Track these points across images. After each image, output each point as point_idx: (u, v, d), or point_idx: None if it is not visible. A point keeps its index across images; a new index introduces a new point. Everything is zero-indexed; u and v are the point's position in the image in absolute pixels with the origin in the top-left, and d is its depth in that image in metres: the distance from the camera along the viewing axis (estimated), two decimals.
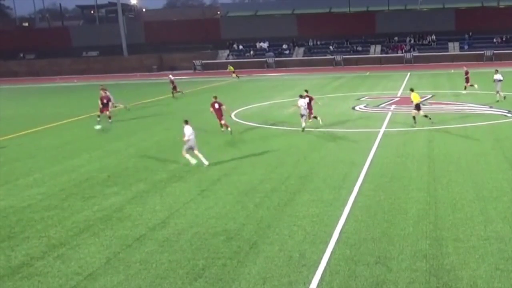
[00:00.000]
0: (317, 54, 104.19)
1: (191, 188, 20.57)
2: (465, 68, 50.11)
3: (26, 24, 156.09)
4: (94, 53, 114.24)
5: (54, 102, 57.60)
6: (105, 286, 12.75)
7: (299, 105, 31.59)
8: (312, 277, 12.57)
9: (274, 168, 23.02)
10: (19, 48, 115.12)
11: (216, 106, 32.51)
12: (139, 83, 70.51)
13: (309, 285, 12.18)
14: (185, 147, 24.28)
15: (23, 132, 36.79)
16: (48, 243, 15.85)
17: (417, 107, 31.98)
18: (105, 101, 38.45)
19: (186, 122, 24.48)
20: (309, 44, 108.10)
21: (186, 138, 23.97)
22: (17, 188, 22.19)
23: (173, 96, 55.04)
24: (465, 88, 48.50)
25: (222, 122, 32.53)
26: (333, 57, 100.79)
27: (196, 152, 24.33)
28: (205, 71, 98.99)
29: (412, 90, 32.91)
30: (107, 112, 38.28)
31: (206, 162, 24.13)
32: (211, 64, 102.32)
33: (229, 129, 32.19)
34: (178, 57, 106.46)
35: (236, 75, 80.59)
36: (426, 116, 32.04)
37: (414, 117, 32.20)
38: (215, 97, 32.87)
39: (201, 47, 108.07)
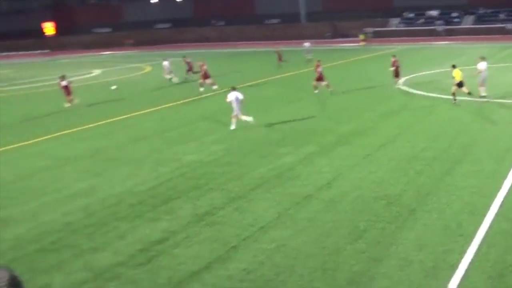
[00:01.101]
0: (486, 23, 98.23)
1: (357, 152, 20.42)
2: None
3: None
4: (275, 21, 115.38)
5: (238, 66, 58.94)
6: (274, 239, 13.03)
7: (479, 69, 29.84)
8: (468, 248, 12.01)
9: (437, 137, 22.19)
10: (212, 16, 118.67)
11: (319, 69, 34.62)
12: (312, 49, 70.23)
13: (464, 255, 11.72)
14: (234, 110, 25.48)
15: (203, 96, 38.12)
16: (228, 195, 16.44)
17: (460, 84, 28.88)
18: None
19: (233, 89, 25.76)
20: (479, 12, 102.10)
21: (228, 100, 25.44)
22: (204, 144, 23.10)
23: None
24: None
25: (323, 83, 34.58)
26: (503, 25, 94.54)
27: (240, 116, 25.36)
28: (376, 39, 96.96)
29: (454, 66, 29.28)
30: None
31: (250, 119, 25.32)
32: (382, 32, 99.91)
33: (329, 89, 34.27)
34: (350, 25, 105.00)
35: (364, 44, 78.90)
36: (469, 93, 29.24)
37: (453, 93, 29.15)
38: (318, 61, 35.56)
39: (372, 15, 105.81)
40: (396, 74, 36.29)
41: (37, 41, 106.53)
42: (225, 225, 14.12)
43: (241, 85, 40.37)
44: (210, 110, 31.07)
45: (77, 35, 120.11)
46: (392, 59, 37.02)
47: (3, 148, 24.37)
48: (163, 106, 33.70)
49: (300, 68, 50.71)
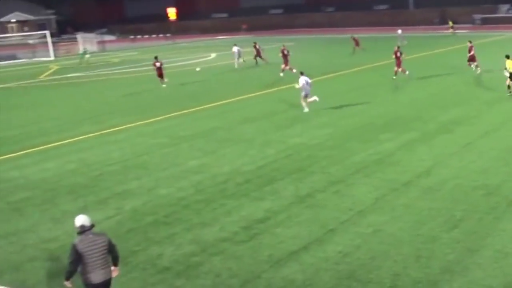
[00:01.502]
0: None
1: (457, 141, 19.72)
2: None
3: None
4: (383, 7, 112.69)
5: (346, 51, 58.21)
6: (372, 223, 12.87)
7: None
8: None
9: None
10: (323, 2, 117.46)
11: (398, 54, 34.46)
12: (419, 36, 68.14)
13: None
14: (301, 94, 25.85)
15: (317, 78, 37.91)
16: (329, 178, 16.35)
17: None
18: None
19: (302, 73, 26.06)
20: None
21: (298, 86, 25.76)
22: (309, 127, 23.08)
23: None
24: None
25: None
26: None
27: (309, 99, 25.79)
28: (484, 26, 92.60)
29: (508, 57, 27.13)
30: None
31: (316, 98, 25.88)
32: (491, 19, 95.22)
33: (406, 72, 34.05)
34: (458, 11, 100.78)
35: (453, 31, 75.04)
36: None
37: (508, 86, 26.98)
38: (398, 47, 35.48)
39: (481, 1, 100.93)
40: (472, 59, 35.91)
41: (161, 26, 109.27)
42: (324, 207, 14.09)
43: (346, 71, 39.95)
44: (317, 94, 30.83)
45: (197, 20, 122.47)
46: (469, 45, 36.29)
47: (125, 126, 25.35)
48: (273, 89, 33.85)
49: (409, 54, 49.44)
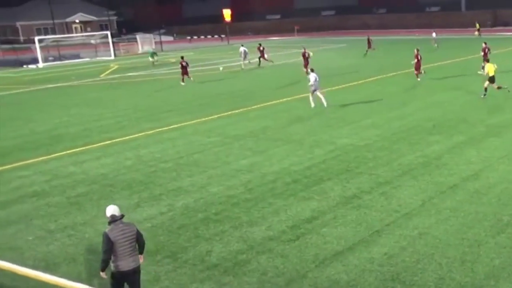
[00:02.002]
0: None
1: (506, 144, 19.14)
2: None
3: None
4: (435, 8, 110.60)
5: (397, 53, 57.44)
6: (417, 226, 12.63)
7: None
8: None
9: None
10: (375, 3, 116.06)
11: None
12: (470, 38, 66.53)
13: None
14: (311, 89, 27.26)
15: (368, 79, 37.52)
16: (376, 180, 16.13)
17: (491, 79, 27.53)
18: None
19: (312, 70, 27.70)
20: None
21: (310, 83, 27.01)
22: (358, 128, 22.83)
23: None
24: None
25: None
26: None
27: (317, 93, 27.09)
28: None
29: (488, 61, 29.31)
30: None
31: (325, 103, 27.00)
32: None
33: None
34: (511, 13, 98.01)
35: (479, 33, 72.91)
36: (499, 87, 27.40)
37: (485, 88, 27.84)
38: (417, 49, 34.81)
39: None
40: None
41: (216, 27, 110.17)
42: (370, 209, 13.91)
43: (397, 73, 39.37)
44: (366, 95, 30.58)
45: (251, 21, 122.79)
46: (483, 45, 37.61)
47: (180, 124, 25.59)
48: (325, 89, 33.51)
49: (450, 57, 48.44)
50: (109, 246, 8.78)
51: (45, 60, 66.76)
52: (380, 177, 16.38)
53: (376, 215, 13.48)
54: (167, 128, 24.99)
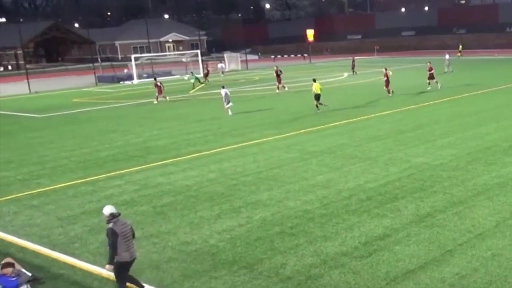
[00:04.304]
0: None
1: None
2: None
3: (463, 1, 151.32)
4: None
5: (475, 73, 55.67)
6: (491, 247, 12.11)
7: None
8: None
9: None
10: (454, 24, 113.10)
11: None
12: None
13: None
14: (224, 102, 33.76)
15: (445, 99, 36.51)
16: (450, 199, 15.62)
17: (317, 97, 32.54)
18: None
19: (223, 87, 33.89)
20: None
21: (222, 96, 33.87)
22: (434, 147, 22.21)
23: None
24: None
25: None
26: None
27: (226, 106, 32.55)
28: None
29: (314, 80, 31.64)
30: None
31: (230, 113, 33.22)
32: None
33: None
34: None
35: (460, 55, 70.08)
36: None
37: (316, 105, 32.92)
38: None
39: None
40: (431, 77, 41.10)
41: (299, 46, 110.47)
42: (444, 228, 13.46)
43: (475, 93, 38.13)
44: (442, 114, 29.76)
45: (333, 41, 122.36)
46: (428, 65, 40.97)
47: (262, 140, 25.75)
48: (401, 108, 32.98)
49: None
50: (115, 239, 9.54)
51: (140, 76, 68.89)
52: (454, 196, 15.85)
53: (449, 234, 13.03)
54: (248, 143, 25.19)
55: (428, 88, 41.25)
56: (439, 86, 41.20)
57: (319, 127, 28.11)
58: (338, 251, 12.38)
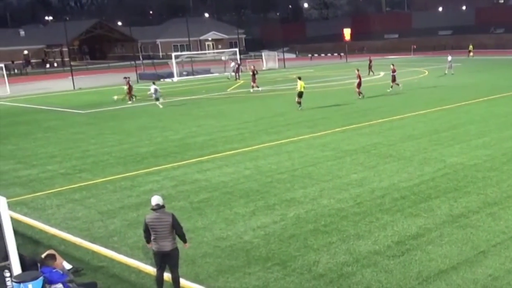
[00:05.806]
0: None
1: None
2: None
3: (501, 1, 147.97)
4: None
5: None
6: None
7: None
8: None
9: None
10: (492, 23, 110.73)
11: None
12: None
13: None
14: (153, 97, 38.85)
15: (481, 99, 35.84)
16: (484, 200, 15.34)
17: (300, 94, 33.71)
18: None
19: (153, 83, 38.56)
20: None
21: (150, 92, 38.23)
22: (469, 147, 21.82)
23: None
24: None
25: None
26: None
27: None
28: None
29: (299, 78, 29.99)
30: None
31: (161, 106, 36.48)
32: None
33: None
34: None
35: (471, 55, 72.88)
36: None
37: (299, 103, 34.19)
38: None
39: None
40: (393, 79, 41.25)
41: (336, 45, 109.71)
42: (477, 229, 13.23)
43: (510, 93, 37.35)
44: (477, 114, 29.20)
45: (369, 40, 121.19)
46: (392, 67, 40.96)
47: (297, 138, 25.68)
48: (436, 108, 32.49)
49: None
50: (144, 228, 10.31)
51: (180, 74, 69.38)
52: (488, 197, 15.55)
53: (483, 235, 12.80)
54: (284, 141, 25.16)
55: (388, 91, 41.38)
56: (401, 87, 41.83)
57: (354, 126, 27.89)
58: (370, 250, 12.28)
